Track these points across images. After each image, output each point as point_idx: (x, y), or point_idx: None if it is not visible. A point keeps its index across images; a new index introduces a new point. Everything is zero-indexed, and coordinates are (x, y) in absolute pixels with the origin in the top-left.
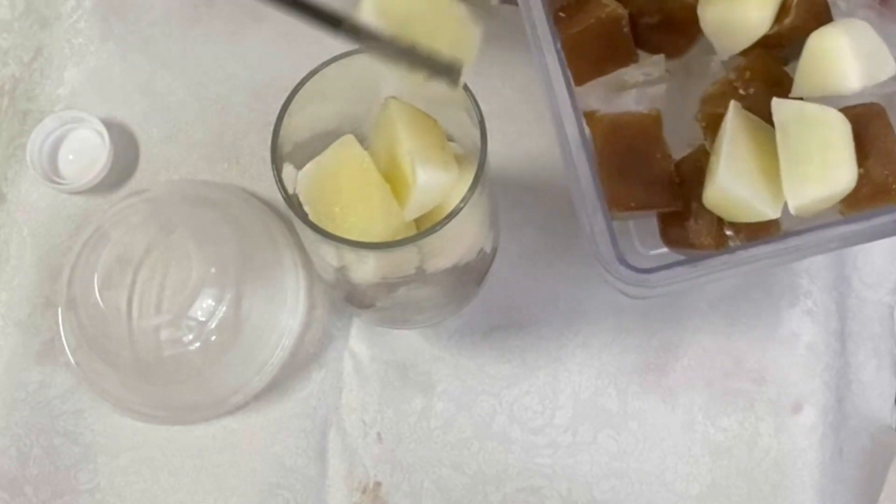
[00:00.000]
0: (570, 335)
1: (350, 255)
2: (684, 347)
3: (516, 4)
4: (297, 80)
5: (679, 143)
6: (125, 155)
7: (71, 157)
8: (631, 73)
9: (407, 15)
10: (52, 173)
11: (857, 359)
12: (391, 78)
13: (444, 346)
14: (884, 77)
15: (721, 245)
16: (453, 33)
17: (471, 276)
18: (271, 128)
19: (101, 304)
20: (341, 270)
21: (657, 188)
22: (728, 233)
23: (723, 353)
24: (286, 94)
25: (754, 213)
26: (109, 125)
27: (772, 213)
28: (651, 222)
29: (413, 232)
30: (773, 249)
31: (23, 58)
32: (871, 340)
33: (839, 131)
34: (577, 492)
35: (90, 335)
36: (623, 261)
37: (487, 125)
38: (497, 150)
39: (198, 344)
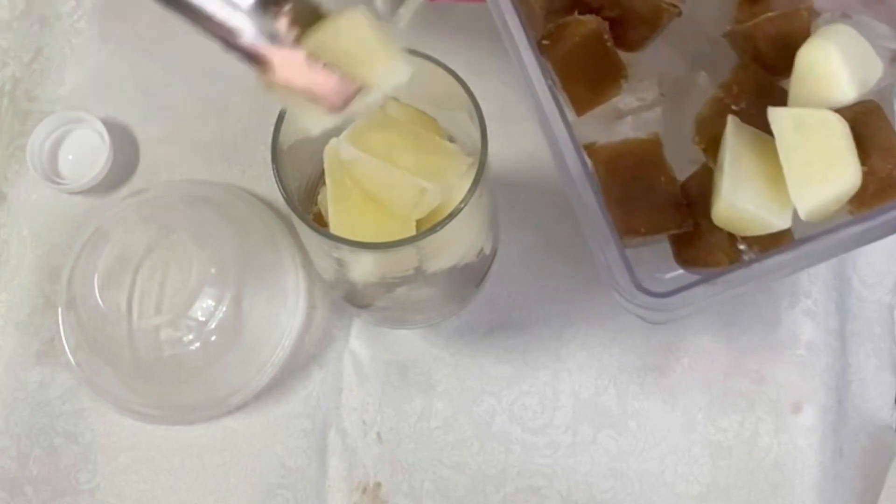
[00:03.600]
0: (570, 335)
1: (349, 255)
2: (684, 347)
3: None
4: None
5: (681, 162)
6: (125, 155)
7: (71, 157)
8: (625, 100)
9: (390, 145)
10: (52, 173)
11: (857, 359)
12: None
13: (444, 346)
14: (874, 80)
15: (735, 260)
16: (451, 173)
17: (470, 277)
18: (271, 128)
19: (101, 304)
20: (341, 270)
21: (665, 211)
22: (741, 247)
23: (723, 353)
24: None
25: (764, 226)
26: (109, 125)
27: (781, 223)
28: (663, 246)
29: (413, 232)
30: (789, 258)
31: (23, 58)
32: (871, 340)
33: (838, 132)
34: (577, 492)
35: (90, 335)
36: (641, 287)
37: (488, 126)
38: (497, 151)
39: (198, 344)
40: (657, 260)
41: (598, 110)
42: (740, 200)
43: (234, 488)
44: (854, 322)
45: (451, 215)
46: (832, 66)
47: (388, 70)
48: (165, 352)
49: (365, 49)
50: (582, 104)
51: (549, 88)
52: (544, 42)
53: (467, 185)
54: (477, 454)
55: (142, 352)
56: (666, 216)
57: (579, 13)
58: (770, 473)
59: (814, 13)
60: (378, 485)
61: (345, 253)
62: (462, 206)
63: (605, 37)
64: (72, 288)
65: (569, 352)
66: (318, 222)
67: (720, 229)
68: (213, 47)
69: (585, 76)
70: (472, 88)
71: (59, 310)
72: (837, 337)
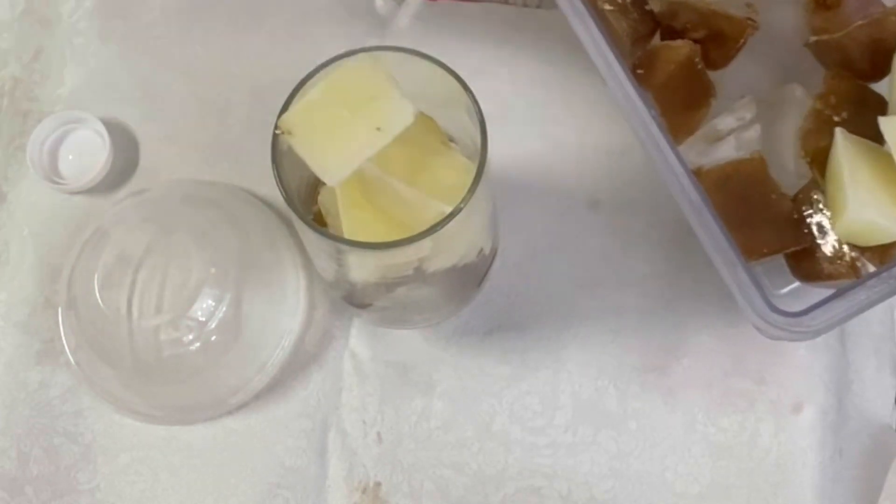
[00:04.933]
0: (570, 335)
1: (349, 255)
2: (684, 348)
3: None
4: (297, 80)
5: (784, 176)
6: (125, 155)
7: (71, 157)
8: (725, 120)
9: (404, 162)
10: (52, 173)
11: (857, 359)
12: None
13: (444, 346)
14: None
15: (856, 271)
16: (450, 174)
17: (471, 277)
18: (271, 128)
19: (101, 304)
20: (341, 270)
21: (784, 229)
22: (853, 253)
23: (723, 354)
24: (286, 94)
25: (889, 235)
26: (109, 125)
27: None
28: (774, 261)
29: (413, 232)
30: None
31: (23, 58)
32: (871, 340)
33: None
34: (577, 492)
35: (90, 335)
36: (777, 309)
37: (488, 126)
38: (497, 151)
39: (198, 344)
40: (769, 275)
41: (699, 134)
42: (866, 212)
43: (234, 488)
44: (854, 322)
45: (451, 215)
46: None
47: (395, 112)
48: (165, 352)
49: (372, 92)
50: (679, 130)
51: (654, 118)
52: (638, 71)
53: (467, 185)
54: (477, 454)
55: (142, 352)
56: (785, 234)
57: (662, 37)
58: (770, 473)
59: None
60: (378, 485)
61: (345, 253)
62: (462, 206)
63: (697, 60)
64: (72, 288)
65: (569, 352)
66: (318, 222)
67: (838, 241)
68: (213, 47)
69: (681, 101)
70: (472, 88)
71: (59, 310)
72: (837, 337)
